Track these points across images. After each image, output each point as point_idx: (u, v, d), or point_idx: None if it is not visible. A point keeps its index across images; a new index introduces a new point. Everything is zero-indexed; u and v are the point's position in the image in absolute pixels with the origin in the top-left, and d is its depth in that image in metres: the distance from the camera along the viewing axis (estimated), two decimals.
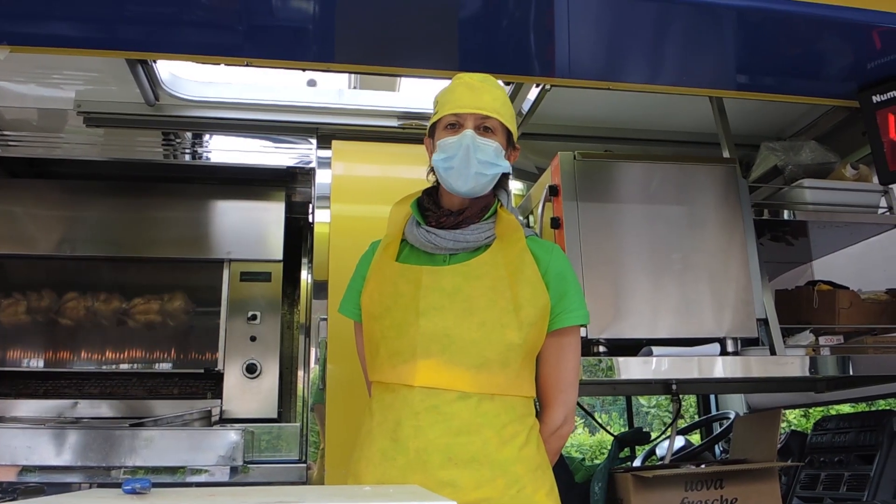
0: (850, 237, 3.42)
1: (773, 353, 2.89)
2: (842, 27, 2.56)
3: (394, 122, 3.69)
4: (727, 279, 2.92)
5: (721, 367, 2.79)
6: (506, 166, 2.10)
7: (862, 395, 3.87)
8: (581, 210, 2.90)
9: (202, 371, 3.84)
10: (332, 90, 3.75)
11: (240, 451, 3.10)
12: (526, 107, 3.47)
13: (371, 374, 2.12)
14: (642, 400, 11.36)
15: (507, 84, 3.27)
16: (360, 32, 2.60)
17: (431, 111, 2.18)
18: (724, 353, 2.83)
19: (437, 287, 2.00)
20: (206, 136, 3.77)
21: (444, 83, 2.23)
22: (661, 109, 3.69)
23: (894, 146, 2.76)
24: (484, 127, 2.07)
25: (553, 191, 2.97)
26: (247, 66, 2.67)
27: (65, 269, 3.98)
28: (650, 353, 2.77)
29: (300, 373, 3.88)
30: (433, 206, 2.15)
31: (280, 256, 3.97)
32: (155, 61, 3.28)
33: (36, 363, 3.87)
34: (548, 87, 3.14)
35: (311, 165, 3.69)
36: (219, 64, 2.77)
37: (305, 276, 4.26)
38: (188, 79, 3.58)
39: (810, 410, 8.37)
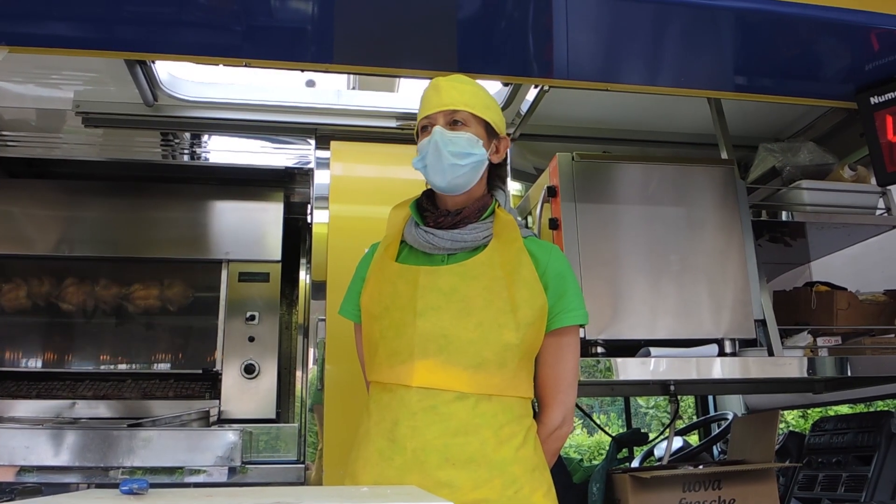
0: (848, 238, 3.43)
1: (771, 353, 2.89)
2: (840, 29, 2.56)
3: (392, 123, 3.68)
4: (725, 280, 2.93)
5: (719, 368, 2.80)
6: (482, 154, 2.10)
7: (860, 396, 3.87)
8: (579, 211, 2.91)
9: (200, 371, 3.83)
10: (330, 91, 3.75)
11: (238, 451, 3.09)
12: (524, 108, 3.47)
13: (369, 375, 2.12)
14: (640, 401, 11.38)
15: (506, 85, 3.27)
16: (359, 33, 2.60)
17: None
18: (722, 353, 2.84)
19: (434, 287, 2.01)
20: (205, 137, 3.77)
21: None
22: (660, 110, 3.69)
23: (892, 147, 2.76)
24: (453, 121, 2.10)
25: (551, 192, 2.97)
26: (245, 66, 2.67)
27: (63, 269, 3.97)
28: (648, 354, 2.77)
29: (298, 373, 3.88)
30: (431, 207, 2.16)
31: (278, 257, 3.97)
32: (153, 62, 3.27)
33: (34, 363, 3.87)
34: (546, 88, 3.13)
35: (310, 166, 3.68)
36: (217, 64, 2.77)
37: (304, 276, 4.26)
38: (187, 79, 3.58)
39: (808, 411, 8.38)
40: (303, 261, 4.27)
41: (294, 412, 3.86)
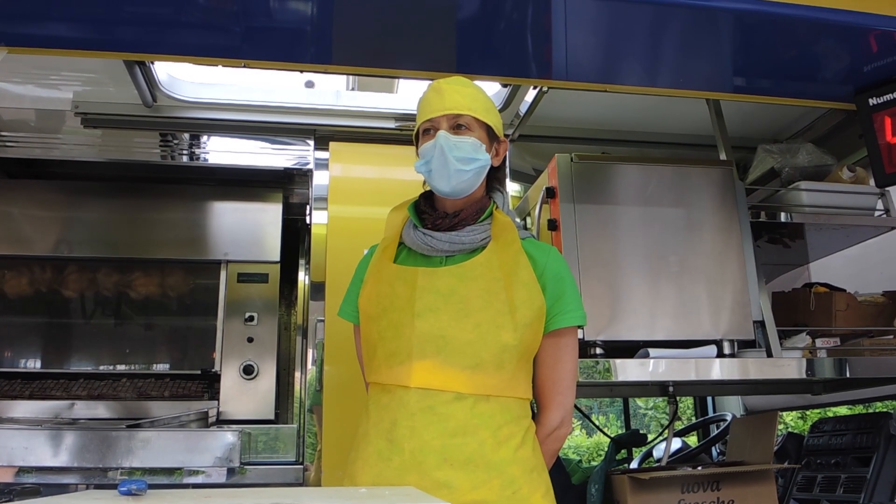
0: (847, 239, 3.43)
1: (769, 355, 2.89)
2: (838, 30, 2.56)
3: (391, 124, 3.68)
4: (724, 281, 2.93)
5: (718, 369, 2.80)
6: (486, 159, 2.11)
7: (859, 397, 3.87)
8: (578, 212, 2.91)
9: (199, 372, 3.83)
10: (329, 92, 3.75)
11: (237, 452, 3.09)
12: (523, 109, 3.47)
13: (368, 376, 2.12)
14: (639, 402, 11.40)
15: (505, 86, 3.27)
16: (358, 34, 2.60)
17: None
18: (720, 355, 2.84)
19: (432, 288, 2.01)
20: (204, 138, 3.77)
21: None
22: (658, 112, 3.69)
23: (891, 149, 2.77)
24: (457, 125, 2.10)
25: (550, 193, 2.97)
26: (244, 67, 2.67)
27: (62, 269, 3.97)
28: (647, 355, 2.77)
29: (297, 374, 3.88)
30: (429, 209, 2.17)
31: (277, 258, 3.97)
32: (153, 62, 3.27)
33: (33, 364, 3.87)
34: (545, 89, 3.13)
35: (309, 167, 3.68)
36: (216, 65, 2.77)
37: (303, 277, 4.26)
38: (186, 80, 3.58)
39: (807, 412, 8.40)
40: (301, 262, 4.27)
41: (293, 413, 3.86)
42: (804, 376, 2.88)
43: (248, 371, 3.75)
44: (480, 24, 2.52)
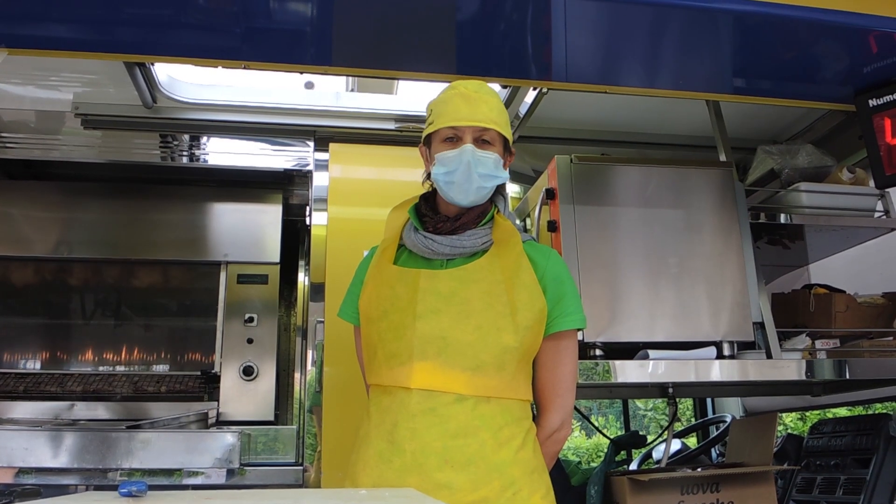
0: (847, 241, 3.43)
1: (769, 356, 2.89)
2: (838, 31, 2.56)
3: (391, 125, 3.69)
4: (723, 283, 2.92)
5: (717, 371, 2.79)
6: (505, 176, 2.12)
7: (858, 398, 3.87)
8: (578, 213, 2.90)
9: (199, 373, 3.83)
10: (329, 93, 3.75)
11: (236, 453, 3.09)
12: (523, 110, 3.47)
13: (369, 377, 2.12)
14: (639, 403, 11.39)
15: (504, 87, 3.27)
16: (358, 35, 2.60)
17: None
18: (720, 356, 2.84)
19: (433, 290, 2.01)
20: (204, 139, 3.77)
21: (442, 86, 2.23)
22: (658, 113, 3.69)
23: (890, 150, 2.77)
24: (482, 139, 2.07)
25: (550, 194, 2.97)
26: (245, 68, 2.68)
27: (62, 270, 3.98)
28: (647, 357, 2.77)
29: (297, 375, 3.88)
30: (430, 212, 2.16)
31: (277, 259, 3.97)
32: (153, 64, 3.28)
33: (33, 365, 3.86)
34: (545, 90, 3.13)
35: (309, 168, 3.68)
36: (216, 66, 2.77)
37: (302, 278, 4.26)
38: (186, 81, 3.58)
39: (806, 414, 8.40)
40: (301, 263, 4.27)
41: (292, 414, 3.86)
42: (804, 378, 2.88)
43: (248, 372, 3.75)
44: (480, 25, 2.52)
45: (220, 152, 3.78)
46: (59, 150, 3.65)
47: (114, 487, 1.38)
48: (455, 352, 1.96)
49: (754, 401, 4.58)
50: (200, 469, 3.11)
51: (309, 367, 3.38)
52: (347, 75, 3.60)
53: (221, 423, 3.65)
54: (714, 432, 4.65)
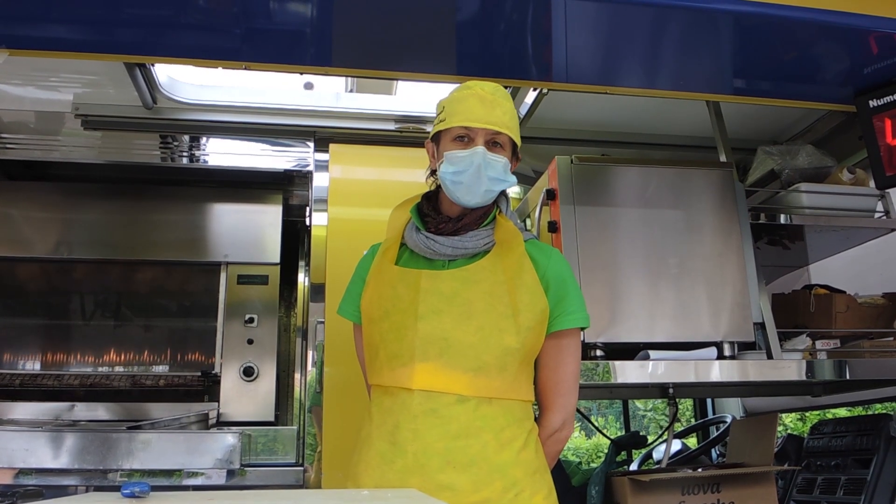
0: (847, 241, 3.42)
1: (769, 356, 2.88)
2: (838, 32, 2.56)
3: (391, 126, 3.69)
4: (724, 283, 2.92)
5: (718, 371, 2.79)
6: (513, 181, 2.10)
7: (858, 399, 3.87)
8: (578, 214, 2.90)
9: (199, 374, 3.83)
10: (329, 93, 3.76)
11: (237, 453, 3.10)
12: (523, 111, 3.47)
13: (370, 378, 2.12)
14: (638, 403, 11.39)
15: (505, 88, 3.27)
16: (358, 36, 2.60)
17: (428, 115, 2.19)
18: (720, 356, 2.83)
19: (435, 291, 2.00)
20: (204, 140, 3.78)
21: (442, 87, 2.23)
22: (658, 113, 3.69)
23: (891, 150, 2.77)
24: (494, 142, 2.07)
25: (550, 195, 2.97)
26: (245, 69, 2.68)
27: (62, 271, 3.98)
28: (647, 357, 2.77)
29: (297, 376, 3.88)
30: (432, 212, 2.15)
31: (277, 259, 3.98)
32: (153, 64, 3.28)
33: (32, 366, 3.87)
34: (545, 91, 3.13)
35: (309, 169, 3.69)
36: (217, 67, 2.78)
37: (302, 279, 4.26)
38: (186, 82, 3.59)
39: (807, 414, 8.39)
40: (301, 263, 4.28)
41: (293, 414, 3.86)
42: (804, 378, 2.87)
43: (248, 373, 3.75)
44: (480, 26, 2.52)
45: (220, 153, 3.79)
46: (60, 150, 3.66)
47: (114, 488, 1.38)
48: (457, 353, 1.95)
49: (754, 401, 4.57)
50: (201, 470, 3.12)
51: (309, 367, 3.38)
52: (347, 76, 3.60)
53: (222, 423, 3.66)
54: (714, 433, 4.65)
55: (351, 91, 3.98)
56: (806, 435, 4.05)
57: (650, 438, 4.29)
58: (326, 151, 3.56)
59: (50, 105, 3.58)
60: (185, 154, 3.76)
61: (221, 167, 3.80)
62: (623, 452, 4.06)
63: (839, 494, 3.44)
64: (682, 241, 2.95)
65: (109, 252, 3.92)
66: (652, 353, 2.77)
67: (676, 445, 4.38)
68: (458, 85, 2.19)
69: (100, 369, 3.89)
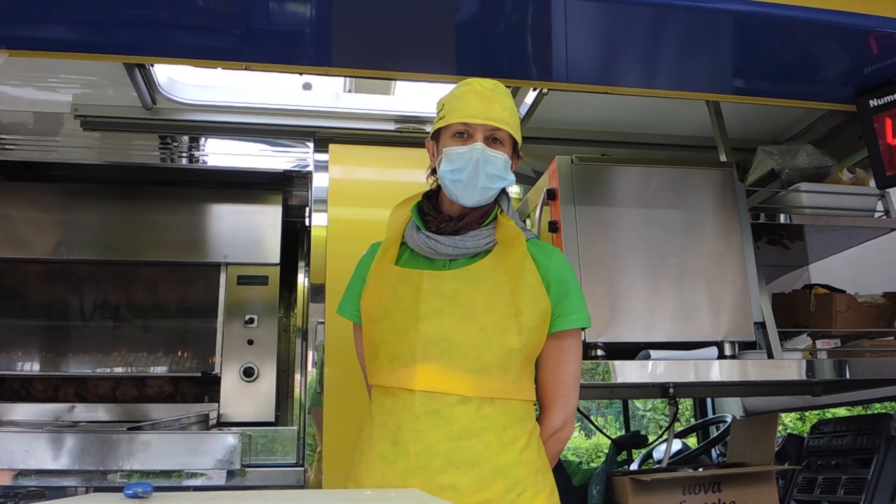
0: (847, 241, 3.42)
1: (770, 356, 2.88)
2: (839, 32, 2.56)
3: (391, 126, 3.69)
4: (724, 283, 2.92)
5: (718, 371, 2.79)
6: (512, 179, 2.09)
7: (859, 398, 3.87)
8: (578, 214, 2.90)
9: (199, 374, 3.83)
10: (328, 94, 3.76)
11: (237, 454, 3.10)
12: (523, 111, 3.46)
13: (371, 378, 2.12)
14: (638, 403, 11.40)
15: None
16: (357, 36, 2.60)
17: (428, 115, 2.18)
18: (721, 356, 2.83)
19: (437, 291, 2.00)
20: (203, 140, 3.77)
21: (442, 87, 2.22)
22: (659, 113, 3.69)
23: (891, 150, 2.77)
24: (493, 138, 2.05)
25: (551, 195, 2.97)
26: (245, 69, 2.67)
27: (62, 272, 3.97)
28: (648, 357, 2.77)
29: (297, 376, 3.88)
30: (433, 212, 2.14)
31: (277, 260, 3.97)
32: (152, 65, 3.28)
33: (33, 367, 3.86)
34: (545, 91, 3.13)
35: (308, 169, 3.69)
36: (216, 68, 2.78)
37: (302, 279, 4.26)
38: (185, 83, 3.58)
39: (806, 414, 8.40)
40: (301, 264, 4.28)
41: (293, 415, 3.86)
42: (804, 378, 2.87)
43: (249, 373, 3.75)
44: (480, 26, 2.52)
45: (219, 153, 3.78)
46: (59, 151, 3.65)
47: (115, 489, 1.38)
48: (459, 353, 1.95)
49: (754, 401, 4.58)
50: (201, 470, 3.12)
51: (309, 368, 3.38)
52: (347, 76, 3.60)
53: (222, 424, 3.66)
54: (714, 432, 4.65)
55: (349, 91, 3.98)
56: (806, 434, 4.05)
57: (650, 438, 4.28)
58: (326, 152, 3.56)
59: (49, 106, 3.58)
60: (184, 155, 3.75)
61: (221, 168, 3.79)
62: (623, 452, 4.06)
63: (840, 494, 3.44)
64: (682, 241, 2.95)
65: (109, 253, 3.92)
66: (652, 353, 2.77)
67: (677, 445, 4.38)
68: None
69: (99, 370, 3.88)
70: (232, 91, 3.65)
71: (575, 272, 2.19)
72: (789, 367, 2.86)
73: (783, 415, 8.43)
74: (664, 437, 3.84)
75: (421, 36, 2.61)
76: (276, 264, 3.98)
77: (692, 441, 4.91)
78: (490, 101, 2.05)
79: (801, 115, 3.72)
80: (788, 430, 6.84)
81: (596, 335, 2.77)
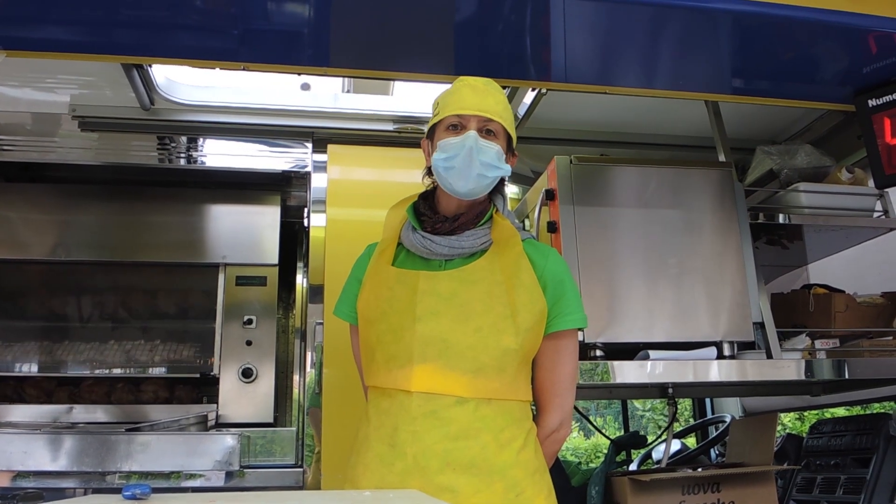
0: (846, 241, 3.42)
1: (769, 356, 2.89)
2: (838, 32, 2.56)
3: (389, 126, 3.68)
4: (723, 283, 2.92)
5: (717, 371, 2.79)
6: (507, 170, 2.09)
7: (857, 398, 3.87)
8: (577, 214, 2.90)
9: (198, 375, 3.83)
10: (327, 94, 3.75)
11: (236, 455, 3.09)
12: (522, 111, 3.46)
13: (367, 379, 2.11)
14: (637, 403, 11.40)
15: (503, 88, 3.27)
16: (356, 37, 2.59)
17: (427, 115, 2.18)
18: (720, 356, 2.83)
19: (433, 292, 2.00)
20: (201, 141, 3.76)
21: (441, 87, 2.22)
22: (657, 113, 3.69)
23: (890, 150, 2.77)
24: (486, 129, 2.06)
25: (549, 195, 2.97)
26: (243, 70, 2.67)
27: (59, 273, 3.97)
28: (647, 357, 2.77)
29: (296, 377, 3.87)
30: (429, 211, 2.14)
31: (275, 261, 3.96)
32: (150, 65, 3.27)
33: (31, 368, 3.86)
34: (544, 91, 3.13)
35: (307, 169, 3.68)
36: (214, 68, 2.77)
37: (301, 280, 4.26)
38: (183, 83, 3.57)
39: (805, 414, 8.40)
40: (300, 264, 4.27)
41: (291, 416, 3.86)
42: (804, 378, 2.87)
43: (247, 374, 3.75)
44: (479, 26, 2.52)
45: (217, 154, 3.77)
46: (56, 152, 3.64)
47: (113, 490, 1.38)
48: (456, 354, 1.95)
49: (753, 401, 4.58)
50: (200, 471, 3.11)
51: (308, 368, 3.38)
52: (346, 76, 3.60)
53: (220, 425, 3.65)
54: (713, 432, 4.65)
55: (347, 91, 3.97)
56: (805, 434, 4.05)
57: (649, 438, 4.28)
58: (324, 152, 3.55)
59: (46, 106, 3.56)
60: (182, 155, 3.74)
61: (219, 168, 3.78)
62: (623, 452, 4.06)
63: (839, 493, 3.45)
64: (681, 241, 2.95)
65: (107, 254, 3.91)
66: (651, 353, 2.77)
67: (676, 445, 4.38)
68: None
69: (98, 371, 3.88)
70: (230, 91, 3.64)
71: (573, 272, 2.19)
72: (788, 367, 2.86)
73: (782, 415, 8.43)
74: (663, 437, 3.84)
75: (419, 36, 2.61)
76: (275, 265, 3.97)
77: (691, 441, 4.92)
78: (483, 94, 2.08)
79: (800, 115, 3.72)
80: (787, 430, 6.84)
81: (595, 335, 2.76)
